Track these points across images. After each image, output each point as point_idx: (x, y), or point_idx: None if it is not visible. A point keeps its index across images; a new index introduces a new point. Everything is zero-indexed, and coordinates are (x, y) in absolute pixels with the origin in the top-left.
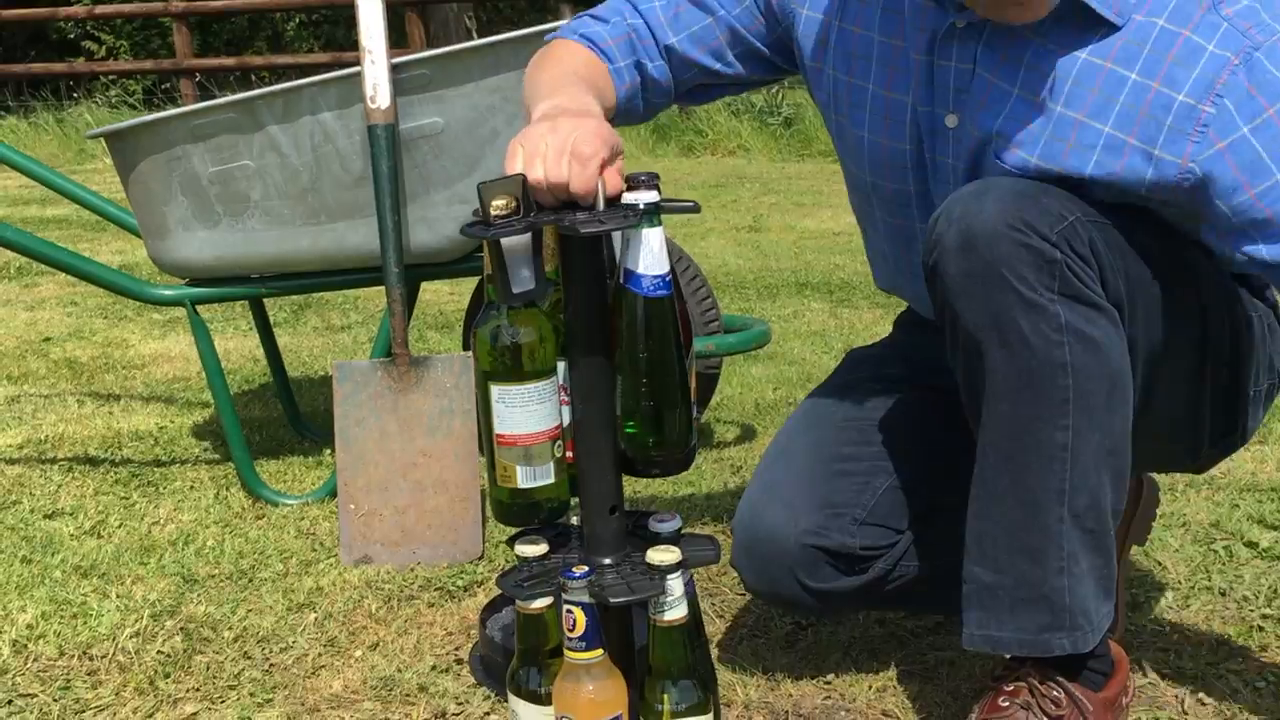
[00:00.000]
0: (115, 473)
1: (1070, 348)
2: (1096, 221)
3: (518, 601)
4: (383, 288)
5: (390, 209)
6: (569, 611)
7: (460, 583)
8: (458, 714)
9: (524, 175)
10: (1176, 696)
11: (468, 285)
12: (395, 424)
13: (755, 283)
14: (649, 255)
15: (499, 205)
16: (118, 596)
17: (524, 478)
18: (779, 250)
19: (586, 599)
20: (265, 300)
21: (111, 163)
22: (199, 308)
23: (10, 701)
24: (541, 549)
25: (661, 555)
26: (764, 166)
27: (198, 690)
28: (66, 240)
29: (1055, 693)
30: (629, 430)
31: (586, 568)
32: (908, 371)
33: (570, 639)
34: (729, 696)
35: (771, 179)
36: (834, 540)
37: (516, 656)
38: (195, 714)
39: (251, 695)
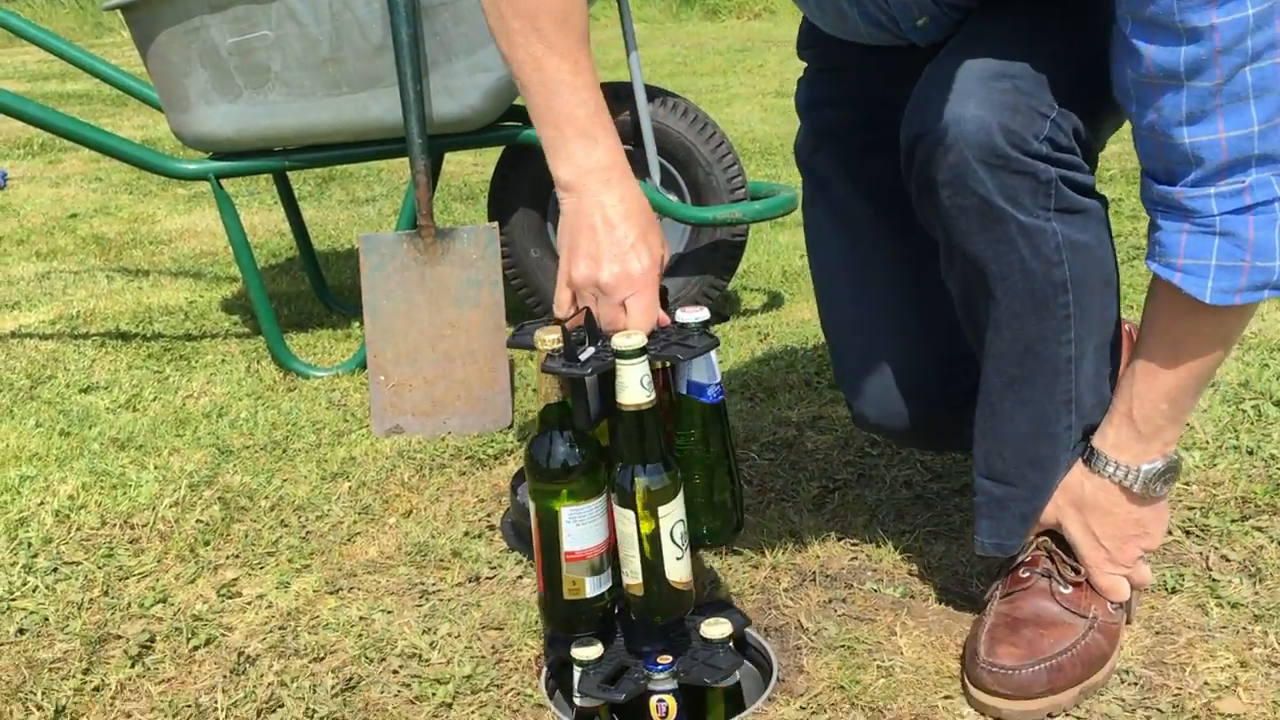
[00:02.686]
0: (147, 347)
1: (1069, 264)
2: (1069, 94)
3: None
4: (406, 159)
5: (412, 78)
6: (661, 702)
7: (490, 451)
8: (491, 577)
9: (588, 309)
10: (1201, 554)
11: (491, 156)
12: (422, 296)
13: (782, 149)
14: (710, 368)
15: (551, 340)
16: (155, 468)
17: (592, 587)
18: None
19: (674, 685)
20: (289, 174)
21: (130, 36)
22: (223, 182)
23: (55, 569)
24: (598, 649)
25: (712, 630)
26: (791, 30)
27: (237, 557)
28: (88, 115)
29: (1074, 559)
30: (701, 524)
31: (669, 658)
32: (866, 116)
33: None
34: (756, 558)
35: None
36: (964, 351)
37: None
38: (235, 580)
39: (290, 561)
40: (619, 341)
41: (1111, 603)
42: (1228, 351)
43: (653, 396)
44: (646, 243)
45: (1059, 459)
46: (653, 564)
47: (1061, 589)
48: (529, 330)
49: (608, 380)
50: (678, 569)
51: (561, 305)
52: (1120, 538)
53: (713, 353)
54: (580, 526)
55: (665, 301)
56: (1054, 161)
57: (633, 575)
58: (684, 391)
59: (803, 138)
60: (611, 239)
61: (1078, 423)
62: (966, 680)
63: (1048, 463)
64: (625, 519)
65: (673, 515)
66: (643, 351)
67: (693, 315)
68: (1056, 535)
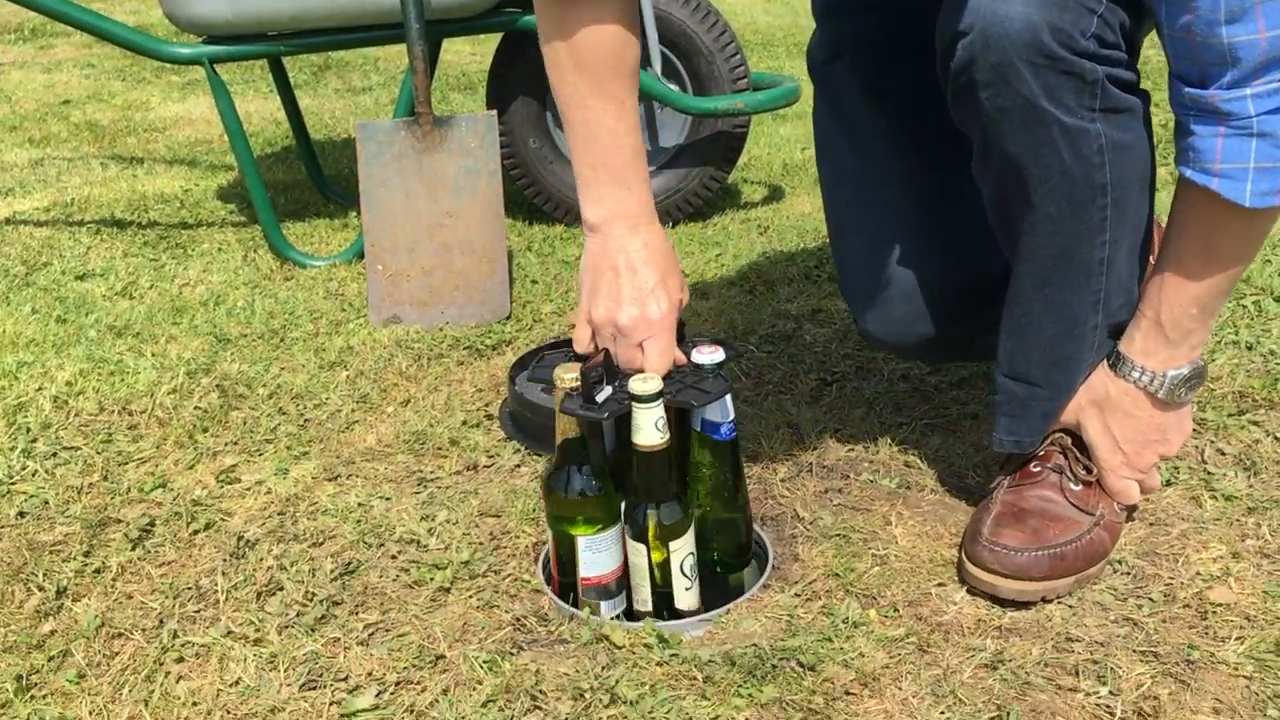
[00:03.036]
0: (143, 235)
1: (1109, 166)
2: None
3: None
4: (404, 47)
5: None
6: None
7: (488, 342)
8: (488, 466)
9: (607, 350)
10: (1196, 447)
11: (489, 45)
12: (420, 185)
13: (785, 40)
14: (724, 408)
15: (570, 380)
16: (153, 355)
17: (606, 610)
18: (809, 7)
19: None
20: (285, 61)
21: None
22: (218, 68)
23: (55, 454)
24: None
25: (704, 356)
26: None
27: (235, 444)
28: None
29: (1087, 458)
30: (712, 551)
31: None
32: (891, 23)
33: None
34: (753, 449)
35: None
36: (977, 272)
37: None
38: (234, 466)
39: (288, 449)
40: (635, 386)
41: (1119, 504)
42: (1257, 252)
43: (667, 438)
44: (666, 288)
45: (1084, 359)
46: (663, 594)
47: (1071, 485)
48: (549, 362)
49: (624, 420)
50: (686, 598)
51: (580, 342)
52: (1139, 442)
53: (730, 396)
54: (596, 554)
55: (682, 335)
56: (1101, 59)
57: (643, 603)
58: (698, 429)
59: (818, 45)
60: (633, 283)
61: (1104, 322)
62: (965, 558)
63: (1073, 363)
64: (637, 552)
65: (683, 549)
66: (658, 396)
67: (708, 356)
68: (1073, 433)
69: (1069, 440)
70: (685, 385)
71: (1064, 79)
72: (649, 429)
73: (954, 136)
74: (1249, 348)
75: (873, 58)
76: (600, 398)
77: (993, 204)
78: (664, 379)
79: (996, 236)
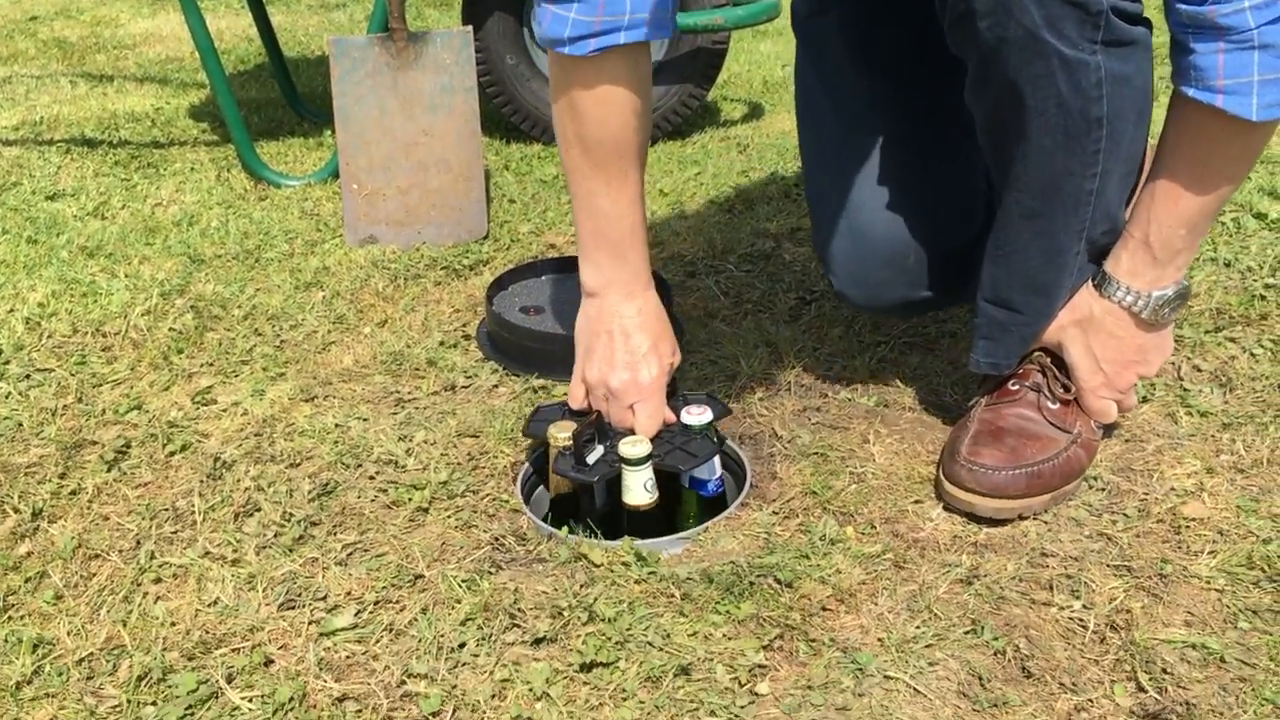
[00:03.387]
0: (114, 154)
1: (1107, 99)
2: None
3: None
4: None
5: None
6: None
7: (466, 262)
8: (466, 386)
9: (599, 411)
10: (1173, 364)
11: None
12: (395, 102)
13: None
14: (711, 467)
15: (563, 439)
16: (126, 276)
17: None
18: None
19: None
20: None
21: None
22: None
23: (28, 376)
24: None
25: (693, 418)
26: None
27: (211, 365)
28: None
29: (1065, 378)
30: None
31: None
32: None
33: None
34: (732, 368)
35: None
36: (954, 237)
37: None
38: (210, 387)
39: (264, 370)
40: (625, 450)
41: (1096, 423)
42: (1249, 170)
43: (655, 497)
44: (657, 353)
45: (1065, 285)
46: None
47: (1049, 404)
48: (543, 418)
49: (614, 480)
50: None
51: (575, 399)
52: (1120, 362)
53: (718, 458)
54: None
55: (674, 390)
56: None
57: None
58: (686, 485)
59: None
60: (626, 348)
61: (1085, 247)
62: (942, 476)
63: (1054, 290)
64: None
65: None
66: (647, 459)
67: (697, 418)
68: (1052, 353)
69: (1048, 359)
70: (674, 447)
71: (1067, 9)
72: (638, 489)
73: (939, 100)
74: (1227, 265)
75: (859, 13)
76: (592, 458)
77: (985, 130)
78: (653, 440)
79: (986, 160)
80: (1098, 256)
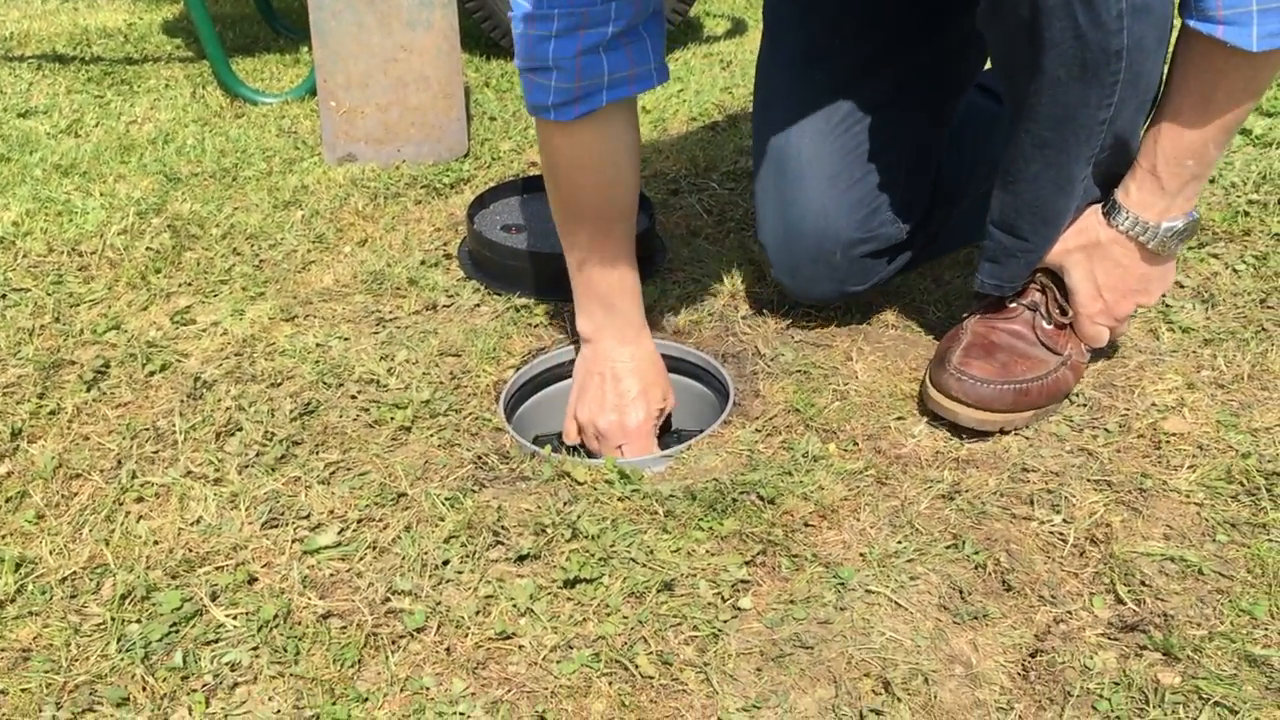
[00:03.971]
0: (87, 71)
1: (1128, 30)
2: None
3: None
4: None
5: None
6: None
7: (446, 180)
8: (448, 305)
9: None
10: None
11: None
12: (373, 17)
13: None
14: None
15: None
16: (101, 195)
17: None
18: None
19: None
20: None
21: None
22: None
23: (4, 296)
24: None
25: None
26: None
27: (189, 285)
28: None
29: (1063, 300)
30: None
31: None
32: None
33: None
34: (715, 287)
35: None
36: (882, 239)
37: None
38: (189, 307)
39: (244, 290)
40: None
41: (1086, 347)
42: (1256, 102)
43: None
44: (646, 398)
45: (1071, 210)
46: None
47: (1044, 324)
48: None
49: None
50: None
51: (569, 434)
52: (1122, 290)
53: None
54: None
55: (669, 426)
56: None
57: None
58: None
59: None
60: (615, 391)
61: (1093, 172)
62: (929, 383)
63: (1061, 218)
64: None
65: None
66: None
67: None
68: (1053, 274)
69: (1049, 280)
70: None
71: None
72: None
73: (884, 103)
74: (1211, 180)
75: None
76: None
77: (997, 57)
78: None
79: (999, 83)
80: (1107, 181)
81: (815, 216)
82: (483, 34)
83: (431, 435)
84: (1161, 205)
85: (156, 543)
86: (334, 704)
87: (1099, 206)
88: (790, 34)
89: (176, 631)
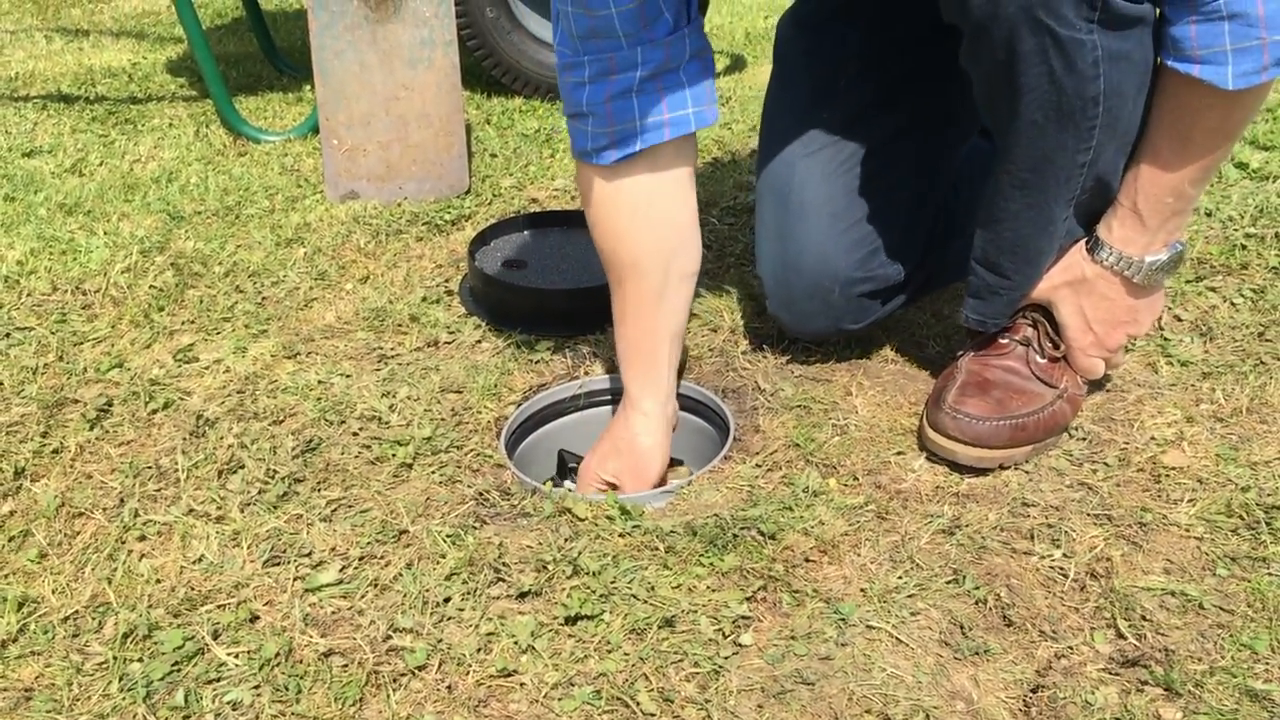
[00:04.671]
0: (91, 110)
1: (1105, 76)
2: None
3: None
4: None
5: None
6: None
7: (447, 217)
8: (449, 342)
9: None
10: None
11: None
12: (374, 56)
13: None
14: None
15: None
16: (105, 233)
17: None
18: None
19: None
20: None
21: None
22: None
23: (8, 335)
24: None
25: None
26: None
27: (192, 322)
28: None
29: (1055, 335)
30: None
31: None
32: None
33: None
34: (715, 322)
35: None
36: (879, 279)
37: None
38: (191, 345)
39: (246, 327)
40: None
41: (1083, 379)
42: (1235, 140)
43: None
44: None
45: (1053, 249)
46: None
47: (1037, 359)
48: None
49: None
50: None
51: (582, 484)
52: (1111, 323)
53: None
54: None
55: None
56: None
57: None
58: None
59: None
60: (631, 454)
61: (1074, 212)
62: (926, 424)
63: (1043, 257)
64: None
65: None
66: None
67: None
68: (1044, 309)
69: (1039, 314)
70: None
71: None
72: None
73: (887, 141)
74: (1208, 214)
75: (827, 40)
76: None
77: (979, 96)
78: None
79: (983, 117)
80: (1090, 219)
81: (815, 254)
82: (483, 72)
83: (433, 472)
84: (1144, 240)
85: (158, 581)
86: None
87: (1083, 243)
88: (798, 74)
89: (178, 670)
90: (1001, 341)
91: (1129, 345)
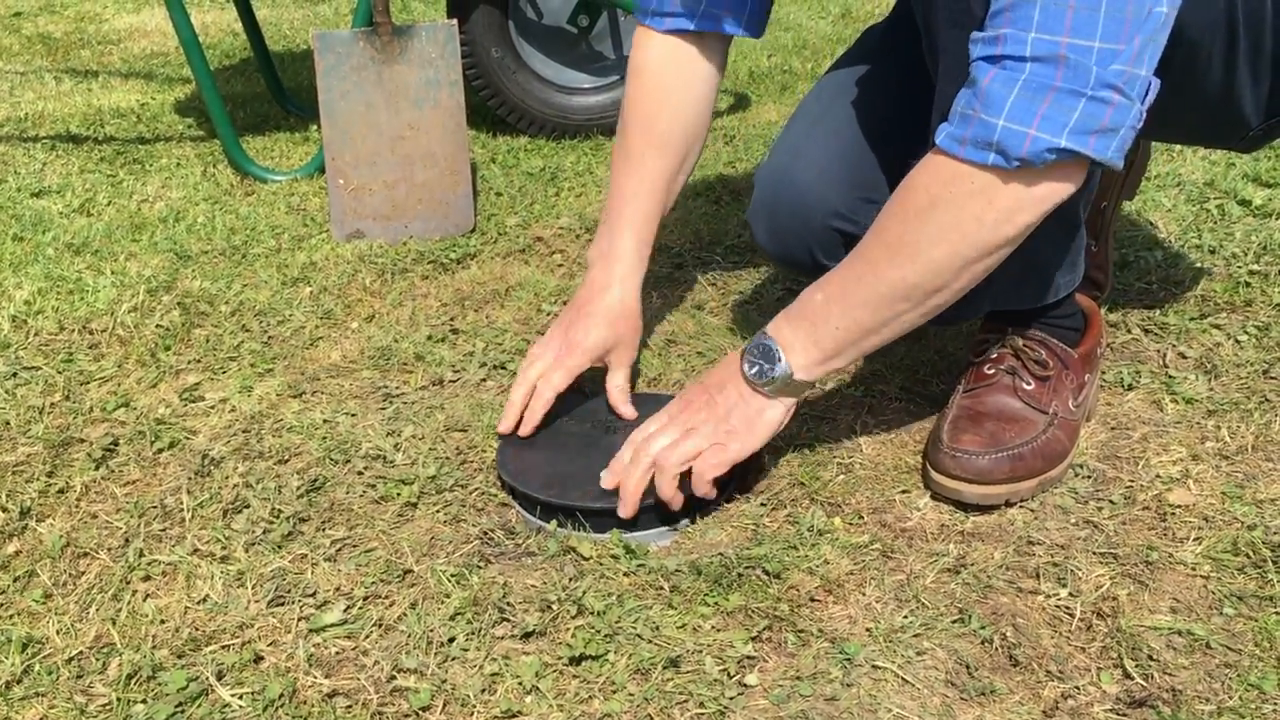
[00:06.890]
0: (99, 150)
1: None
2: None
3: None
4: None
5: None
6: None
7: (453, 255)
8: (454, 380)
9: None
10: (1159, 351)
11: None
12: (380, 96)
13: None
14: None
15: None
16: (112, 273)
17: None
18: None
19: None
20: None
21: None
22: None
23: (15, 374)
24: None
25: None
26: None
27: (199, 362)
28: None
29: (1038, 353)
30: None
31: None
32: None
33: None
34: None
35: None
36: (861, 226)
37: None
38: (198, 384)
39: (252, 366)
40: None
41: (1072, 400)
42: (923, 307)
43: None
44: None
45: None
46: None
47: (1024, 385)
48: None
49: None
50: None
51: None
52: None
53: None
54: None
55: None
56: None
57: None
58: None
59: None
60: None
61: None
62: (928, 466)
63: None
64: None
65: None
66: None
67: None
68: (1023, 335)
69: (1019, 343)
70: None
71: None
72: None
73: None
74: (1211, 251)
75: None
76: None
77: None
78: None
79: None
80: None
81: (812, 175)
82: (488, 111)
83: (438, 511)
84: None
85: (163, 621)
86: None
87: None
88: (834, 74)
89: (182, 711)
90: (988, 372)
91: (1125, 375)
